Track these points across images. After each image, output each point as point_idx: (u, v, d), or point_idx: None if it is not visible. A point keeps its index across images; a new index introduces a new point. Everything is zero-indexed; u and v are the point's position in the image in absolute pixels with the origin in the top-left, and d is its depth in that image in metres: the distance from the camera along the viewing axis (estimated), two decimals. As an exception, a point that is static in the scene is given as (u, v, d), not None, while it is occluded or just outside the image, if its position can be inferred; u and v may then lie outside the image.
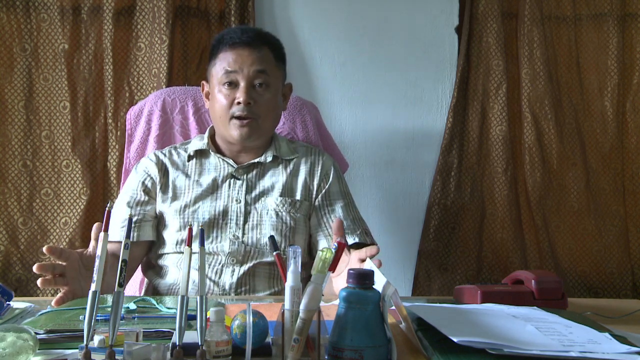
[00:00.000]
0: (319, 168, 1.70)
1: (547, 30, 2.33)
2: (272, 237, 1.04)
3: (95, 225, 1.29)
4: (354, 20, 2.34)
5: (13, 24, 2.18)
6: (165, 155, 1.71)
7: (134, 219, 1.60)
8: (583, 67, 2.36)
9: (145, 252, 1.66)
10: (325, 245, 1.63)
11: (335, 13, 2.34)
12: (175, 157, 1.71)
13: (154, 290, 1.64)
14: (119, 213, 1.62)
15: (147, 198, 1.65)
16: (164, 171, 1.68)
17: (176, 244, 1.59)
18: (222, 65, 1.62)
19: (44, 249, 1.22)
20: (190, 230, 0.91)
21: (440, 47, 2.37)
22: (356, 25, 2.34)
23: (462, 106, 2.35)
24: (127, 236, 0.87)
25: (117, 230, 1.57)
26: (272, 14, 2.33)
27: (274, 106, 1.66)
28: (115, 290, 0.84)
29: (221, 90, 1.62)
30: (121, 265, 0.84)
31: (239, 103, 1.59)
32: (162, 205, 1.63)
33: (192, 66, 2.25)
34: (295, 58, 2.33)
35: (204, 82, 1.74)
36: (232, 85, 1.61)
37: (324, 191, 1.68)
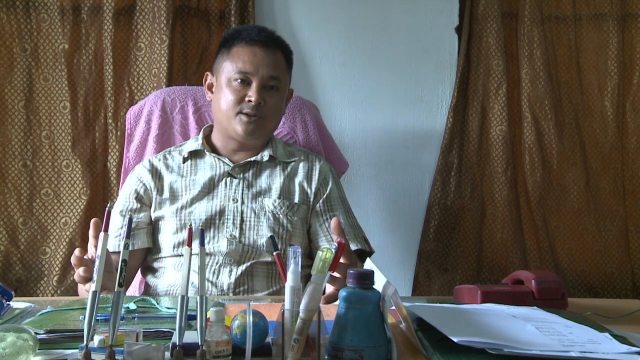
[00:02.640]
0: (317, 173, 1.70)
1: (547, 31, 2.33)
2: (272, 237, 1.04)
3: (92, 222, 1.27)
4: (354, 21, 2.34)
5: (13, 24, 2.18)
6: (159, 160, 1.71)
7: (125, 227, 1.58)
8: (583, 67, 2.36)
9: (142, 260, 1.67)
10: None
11: (335, 13, 2.34)
12: (169, 160, 1.70)
13: (152, 292, 1.64)
14: (113, 223, 1.61)
15: (139, 205, 1.64)
16: (158, 176, 1.67)
17: (173, 247, 1.59)
18: (236, 62, 1.62)
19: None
20: (190, 230, 0.91)
21: (440, 47, 2.37)
22: (356, 25, 2.34)
23: (462, 106, 2.35)
24: (127, 236, 0.87)
25: (111, 240, 1.57)
26: (272, 14, 2.33)
27: (279, 110, 1.68)
28: (115, 290, 0.84)
29: (231, 84, 1.61)
30: (121, 265, 0.84)
31: (249, 101, 1.59)
32: (159, 209, 1.63)
33: (192, 66, 2.25)
34: (295, 58, 2.30)
35: (208, 72, 1.72)
36: (244, 82, 1.61)
37: (324, 197, 1.68)
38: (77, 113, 2.20)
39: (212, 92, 1.70)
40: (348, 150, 2.31)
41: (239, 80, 1.61)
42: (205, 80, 1.73)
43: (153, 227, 1.64)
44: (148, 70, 2.23)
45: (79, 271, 1.22)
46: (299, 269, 0.88)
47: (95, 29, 2.21)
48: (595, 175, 2.35)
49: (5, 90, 2.18)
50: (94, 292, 0.83)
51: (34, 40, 2.19)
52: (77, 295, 1.55)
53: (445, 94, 2.37)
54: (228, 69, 1.63)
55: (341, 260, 1.17)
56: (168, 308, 1.17)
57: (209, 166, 1.67)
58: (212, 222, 1.59)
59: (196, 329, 0.85)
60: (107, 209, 0.89)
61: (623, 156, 2.36)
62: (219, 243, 1.57)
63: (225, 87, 1.62)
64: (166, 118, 1.92)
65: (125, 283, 1.38)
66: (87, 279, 1.22)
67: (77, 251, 1.23)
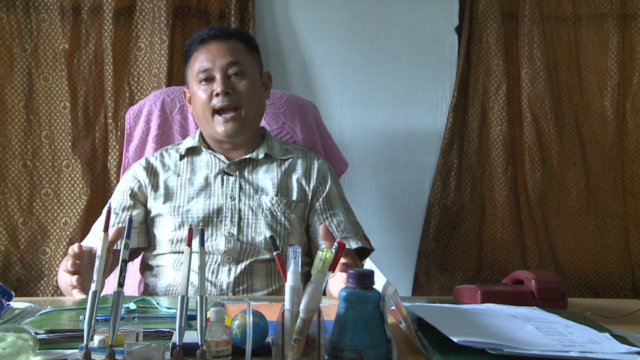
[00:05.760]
0: (315, 171, 1.69)
1: (547, 31, 2.33)
2: (272, 237, 1.04)
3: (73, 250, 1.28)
4: (353, 21, 2.34)
5: (13, 24, 2.18)
6: (156, 158, 1.71)
7: (119, 225, 1.57)
8: (583, 67, 2.36)
9: (132, 259, 1.68)
10: None
11: (335, 13, 2.34)
12: (166, 158, 1.71)
13: (151, 292, 1.64)
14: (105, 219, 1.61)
15: (133, 202, 1.64)
16: (153, 174, 1.67)
17: (172, 244, 1.59)
18: (195, 64, 1.63)
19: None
20: (191, 230, 0.91)
21: (440, 47, 2.37)
22: (356, 25, 2.34)
23: (462, 106, 2.35)
24: (127, 236, 0.87)
25: (99, 234, 1.57)
26: (272, 14, 2.33)
27: (254, 93, 1.65)
28: (115, 290, 0.84)
29: (199, 88, 1.63)
30: (121, 265, 0.84)
31: (217, 95, 1.59)
32: (156, 207, 1.63)
33: (192, 66, 2.25)
34: (295, 58, 2.33)
35: (184, 89, 1.74)
36: (209, 80, 1.62)
37: (324, 195, 1.67)
38: (77, 113, 2.20)
39: (191, 104, 1.71)
40: (348, 150, 2.31)
41: (204, 81, 1.62)
42: (185, 97, 1.74)
43: (150, 224, 1.64)
44: (148, 70, 2.23)
45: (68, 264, 1.26)
46: (299, 269, 0.88)
47: (95, 29, 2.21)
48: (595, 175, 2.35)
49: (5, 90, 2.18)
50: (94, 292, 0.83)
51: (34, 40, 2.19)
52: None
53: (445, 94, 2.37)
54: (192, 74, 1.65)
55: (343, 260, 1.17)
56: (168, 308, 1.17)
57: (205, 164, 1.68)
58: (210, 220, 1.59)
59: (196, 329, 0.85)
60: (107, 208, 0.89)
61: (623, 156, 2.36)
62: (217, 241, 1.57)
63: (195, 92, 1.64)
64: (166, 118, 1.92)
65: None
66: (74, 272, 1.26)
67: (76, 246, 1.26)
